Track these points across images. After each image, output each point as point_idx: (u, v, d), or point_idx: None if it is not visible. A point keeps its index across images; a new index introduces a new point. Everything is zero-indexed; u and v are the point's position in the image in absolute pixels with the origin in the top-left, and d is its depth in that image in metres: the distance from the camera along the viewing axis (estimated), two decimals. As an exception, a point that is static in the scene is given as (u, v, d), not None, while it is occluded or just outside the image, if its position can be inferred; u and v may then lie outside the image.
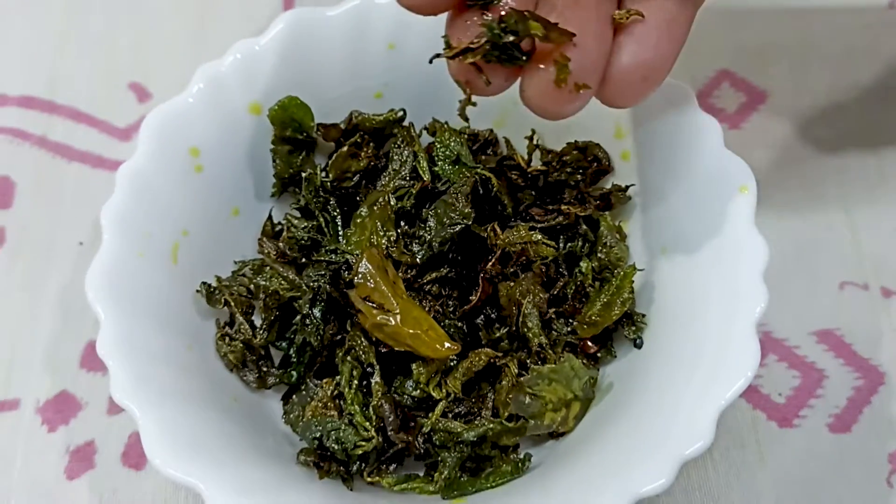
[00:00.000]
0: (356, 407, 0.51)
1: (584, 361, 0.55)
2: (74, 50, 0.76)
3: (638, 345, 0.52)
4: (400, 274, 0.54)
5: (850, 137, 0.70)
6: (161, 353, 0.50)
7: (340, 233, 0.57)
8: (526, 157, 0.61)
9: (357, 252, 0.53)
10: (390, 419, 0.49)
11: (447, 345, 0.49)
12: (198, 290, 0.55)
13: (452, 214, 0.53)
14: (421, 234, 0.54)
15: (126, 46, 0.76)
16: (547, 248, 0.54)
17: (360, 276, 0.49)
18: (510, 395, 0.49)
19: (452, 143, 0.58)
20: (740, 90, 0.72)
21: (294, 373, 0.55)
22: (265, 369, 0.55)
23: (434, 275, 0.54)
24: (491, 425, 0.49)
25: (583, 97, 0.38)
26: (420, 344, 0.49)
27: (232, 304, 0.54)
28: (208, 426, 0.49)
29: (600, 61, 0.38)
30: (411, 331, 0.49)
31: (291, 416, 0.55)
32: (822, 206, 0.67)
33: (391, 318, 0.49)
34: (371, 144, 0.60)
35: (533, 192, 0.61)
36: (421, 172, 0.58)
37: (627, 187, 0.55)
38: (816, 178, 0.68)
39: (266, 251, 0.57)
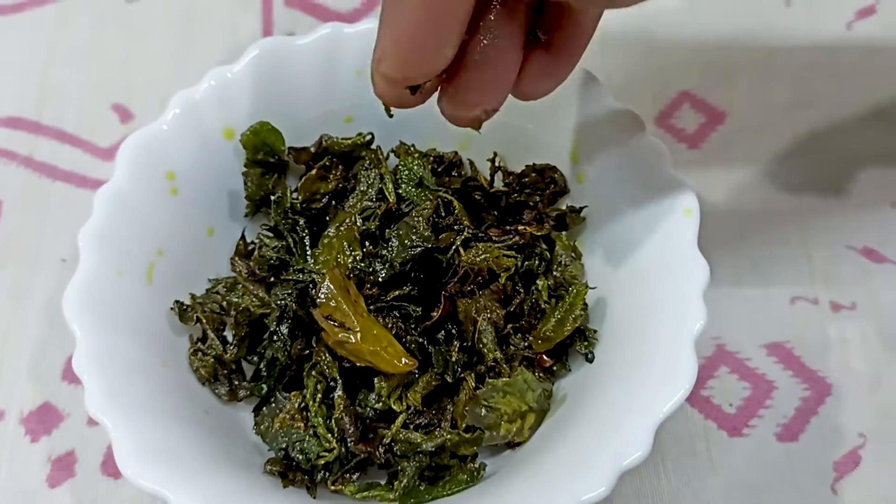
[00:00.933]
0: (319, 419, 0.53)
1: (540, 375, 0.57)
2: (61, 71, 0.78)
3: (589, 359, 0.53)
4: (365, 291, 0.57)
5: (807, 154, 0.72)
6: (136, 368, 0.52)
7: (308, 252, 0.59)
8: (488, 178, 0.64)
9: (324, 271, 0.55)
10: (350, 431, 0.52)
11: (405, 360, 0.52)
12: (172, 308, 0.58)
13: (413, 237, 0.56)
14: (384, 253, 0.56)
15: (111, 68, 0.78)
16: (508, 260, 0.56)
17: (322, 296, 0.52)
18: (467, 408, 0.50)
19: (415, 167, 0.61)
20: (700, 111, 0.74)
21: (264, 386, 0.57)
22: (236, 383, 0.58)
23: (397, 292, 0.56)
24: (449, 436, 0.50)
25: (490, 112, 0.43)
26: (379, 360, 0.52)
27: (203, 321, 0.57)
28: (180, 438, 0.51)
29: (506, 95, 0.42)
30: (371, 348, 0.51)
31: (262, 427, 0.57)
32: (779, 221, 0.69)
33: (352, 336, 0.51)
34: (340, 167, 0.63)
35: (495, 213, 0.64)
36: (387, 194, 0.61)
37: (582, 208, 0.57)
38: (773, 195, 0.70)
39: (238, 270, 0.60)
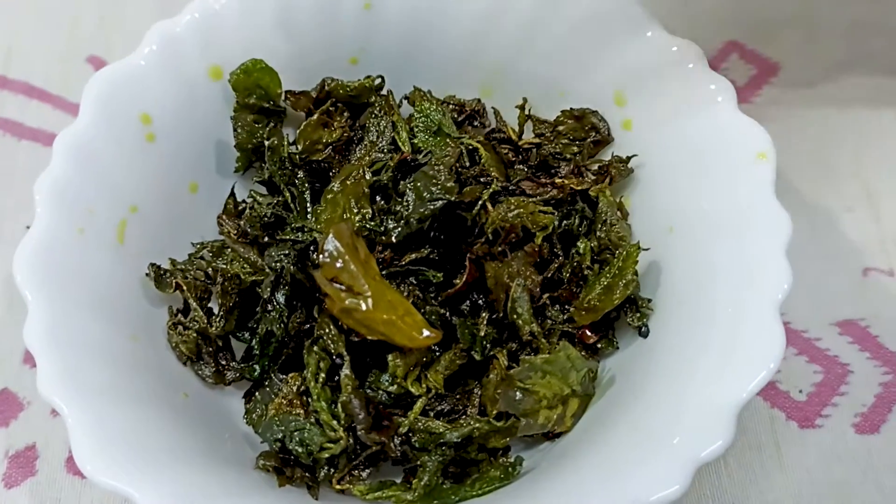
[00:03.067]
0: (322, 404, 0.45)
1: (583, 353, 0.49)
2: (31, 21, 0.70)
3: (643, 333, 0.48)
4: (377, 254, 0.48)
5: (867, 112, 0.64)
6: (99, 343, 0.44)
7: (309, 209, 0.51)
8: (517, 128, 0.56)
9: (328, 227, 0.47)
10: (361, 417, 0.43)
11: (426, 332, 0.43)
12: (147, 274, 0.49)
13: (433, 188, 0.48)
14: (398, 209, 0.48)
15: (88, 19, 0.70)
16: (545, 217, 0.48)
17: (326, 254, 0.43)
18: (499, 391, 0.45)
19: (433, 113, 0.53)
20: (750, 62, 0.67)
21: (257, 367, 0.49)
22: (223, 363, 0.50)
23: (414, 255, 0.48)
24: (477, 425, 0.45)
25: None
26: (395, 332, 0.43)
27: (185, 288, 0.48)
28: (152, 427, 0.43)
29: None
30: (385, 316, 0.43)
31: (254, 415, 0.49)
32: (841, 185, 0.62)
33: (362, 302, 0.43)
34: (345, 114, 0.55)
35: (525, 168, 0.55)
36: (400, 144, 0.53)
37: (629, 158, 0.51)
38: (834, 156, 0.63)
39: (226, 230, 0.51)
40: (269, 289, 0.47)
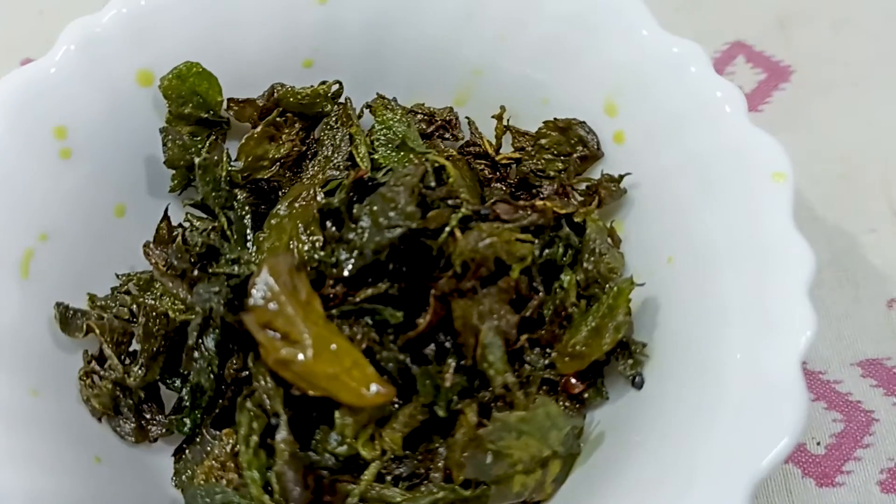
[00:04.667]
0: (254, 473, 0.38)
1: (567, 405, 0.44)
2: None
3: (637, 384, 0.43)
4: (327, 290, 0.41)
5: (894, 120, 0.59)
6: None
7: (250, 237, 0.44)
8: (494, 141, 0.51)
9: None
10: (296, 493, 0.36)
11: (376, 388, 0.37)
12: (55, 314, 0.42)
13: (392, 213, 0.41)
14: (351, 238, 0.41)
15: (24, 18, 0.65)
16: (523, 246, 0.42)
17: (258, 295, 0.36)
18: (466, 453, 0.40)
19: (396, 124, 0.46)
20: (758, 65, 0.62)
21: (187, 420, 0.43)
22: (148, 416, 0.43)
23: (369, 291, 0.42)
24: (441, 493, 0.40)
25: None
26: (340, 388, 0.37)
27: (97, 331, 0.41)
28: (52, 499, 0.36)
29: None
30: (329, 370, 0.37)
31: (183, 477, 0.43)
32: (864, 203, 0.57)
33: (300, 353, 0.36)
34: (296, 125, 0.49)
35: (503, 187, 0.49)
36: (358, 160, 0.46)
37: (621, 177, 0.47)
38: (855, 171, 0.58)
39: (154, 261, 0.44)
40: (195, 333, 0.40)
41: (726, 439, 0.36)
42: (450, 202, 0.43)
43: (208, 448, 0.42)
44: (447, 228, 0.42)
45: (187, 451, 0.43)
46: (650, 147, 0.45)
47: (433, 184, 0.44)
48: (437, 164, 0.44)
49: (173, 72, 0.46)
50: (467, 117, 0.51)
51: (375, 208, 0.42)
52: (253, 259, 0.42)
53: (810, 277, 0.37)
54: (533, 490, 0.41)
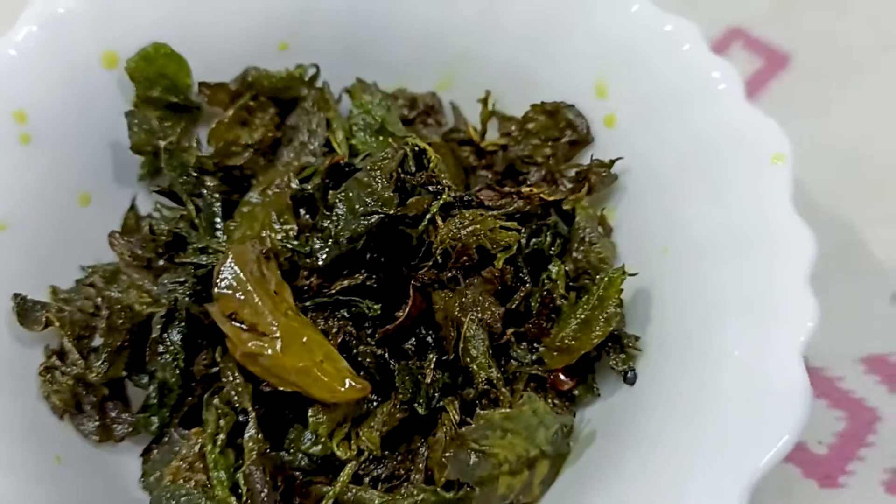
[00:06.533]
0: (221, 473, 0.37)
1: (556, 403, 0.42)
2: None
3: (629, 380, 0.41)
4: (301, 281, 0.40)
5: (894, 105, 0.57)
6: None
7: (219, 224, 0.42)
8: (479, 127, 0.49)
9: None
10: (263, 495, 0.34)
11: (350, 383, 0.35)
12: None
13: (368, 199, 0.39)
14: (326, 226, 0.39)
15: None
16: (508, 234, 0.40)
17: (223, 283, 0.34)
18: (448, 453, 0.38)
19: (375, 108, 0.45)
20: (756, 52, 0.61)
21: (155, 419, 0.41)
22: (113, 414, 0.41)
23: (346, 282, 0.40)
24: (422, 496, 0.38)
25: None
26: (311, 383, 0.35)
27: (57, 324, 0.39)
28: (9, 502, 0.34)
29: None
30: (299, 364, 0.35)
31: (151, 478, 0.41)
32: (866, 194, 0.55)
33: (268, 346, 0.34)
34: (270, 110, 0.47)
35: (489, 175, 0.47)
36: (335, 145, 0.44)
37: (612, 162, 0.45)
38: (858, 161, 0.56)
39: (119, 251, 0.42)
40: (159, 326, 0.38)
41: (723, 437, 0.34)
42: (430, 188, 0.41)
43: (176, 448, 0.40)
44: (427, 216, 0.40)
45: (155, 451, 0.41)
46: (642, 130, 0.43)
47: (413, 169, 0.42)
48: (417, 148, 0.42)
49: (140, 53, 0.44)
50: (451, 102, 0.50)
51: (351, 194, 0.40)
52: (222, 248, 0.40)
53: (812, 263, 0.35)
54: (519, 492, 0.38)
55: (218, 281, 0.35)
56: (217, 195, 0.43)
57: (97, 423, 0.41)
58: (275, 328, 0.34)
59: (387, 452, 0.40)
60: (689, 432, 0.35)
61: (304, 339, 0.35)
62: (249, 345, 0.34)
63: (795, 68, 0.59)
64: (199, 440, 0.39)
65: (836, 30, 0.60)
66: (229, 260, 0.35)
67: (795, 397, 0.33)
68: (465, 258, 0.39)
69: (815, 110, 0.58)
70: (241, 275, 0.35)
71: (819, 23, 0.60)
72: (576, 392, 0.42)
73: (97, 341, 0.42)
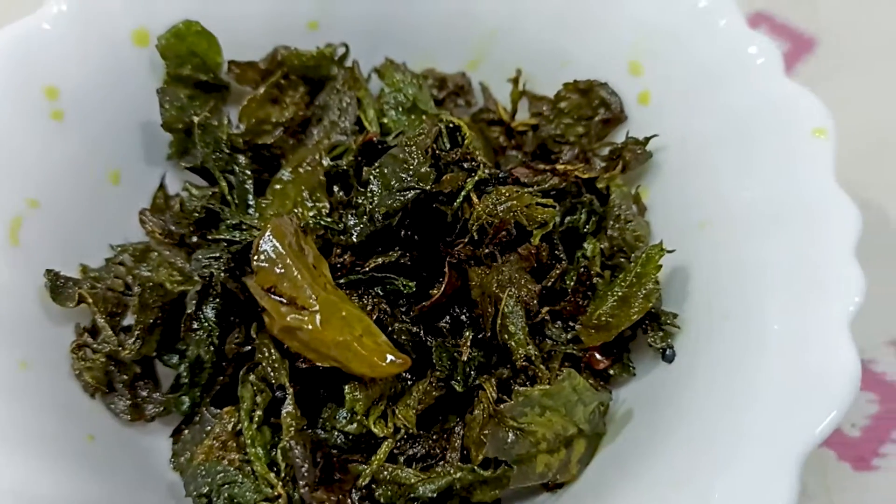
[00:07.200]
0: (258, 450, 0.36)
1: (590, 383, 0.40)
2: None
3: (668, 357, 0.40)
4: (334, 259, 0.39)
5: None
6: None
7: (251, 202, 0.41)
8: (509, 107, 0.48)
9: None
10: (304, 470, 0.34)
11: (391, 358, 0.34)
12: (45, 282, 0.39)
13: (404, 175, 0.38)
14: (360, 202, 0.38)
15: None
16: (545, 211, 0.39)
17: (262, 256, 0.34)
18: (486, 431, 0.37)
19: (407, 87, 0.44)
20: (781, 36, 0.60)
21: (186, 399, 0.40)
22: (144, 394, 0.40)
23: (380, 260, 0.39)
24: (459, 474, 0.37)
25: None
26: (351, 357, 0.34)
27: (90, 301, 0.38)
28: (41, 481, 0.33)
29: None
30: (338, 338, 0.34)
31: (181, 458, 0.40)
32: (893, 177, 0.54)
33: (307, 320, 0.33)
34: (300, 89, 0.46)
35: (519, 155, 0.46)
36: (366, 123, 0.44)
37: (647, 140, 0.44)
38: (885, 146, 0.55)
39: (150, 229, 0.42)
40: (194, 301, 0.37)
41: (766, 416, 0.33)
42: (465, 165, 0.41)
43: (208, 428, 0.39)
44: (463, 192, 0.40)
45: (186, 431, 0.41)
46: (678, 107, 0.42)
47: (448, 145, 0.41)
48: (451, 125, 0.41)
49: (171, 30, 0.44)
50: (480, 82, 0.49)
51: (386, 170, 0.39)
52: (256, 225, 0.40)
53: (857, 237, 0.34)
54: (557, 471, 0.38)
55: (257, 254, 0.34)
56: (248, 173, 0.42)
57: (128, 402, 0.40)
58: (314, 302, 0.34)
59: (422, 432, 0.39)
60: (730, 410, 0.34)
61: (344, 314, 0.34)
62: (288, 318, 0.34)
63: (821, 52, 0.59)
64: (232, 419, 0.39)
65: (861, 14, 0.60)
66: (268, 233, 0.34)
67: (845, 370, 0.32)
68: (503, 234, 0.39)
69: (841, 94, 0.57)
70: (281, 248, 0.34)
71: (844, 7, 0.60)
72: (611, 371, 0.41)
73: (127, 320, 0.42)
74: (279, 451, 0.35)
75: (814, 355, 0.33)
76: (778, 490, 0.30)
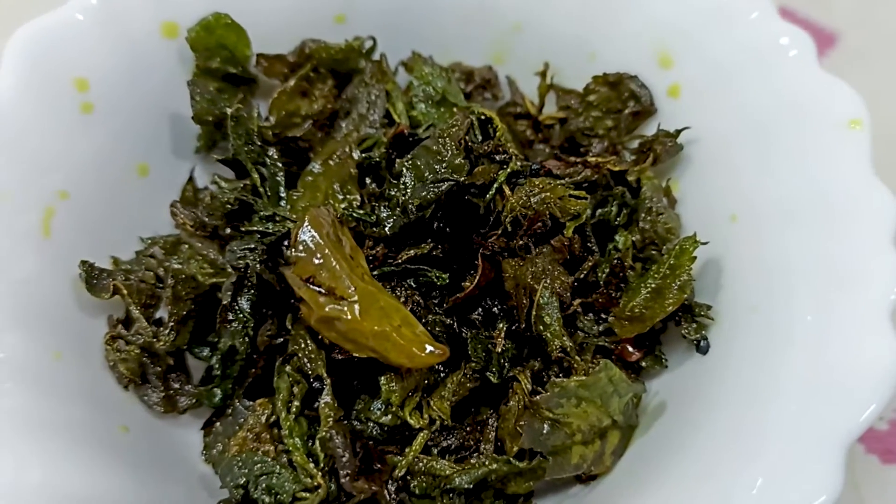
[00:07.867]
0: (296, 440, 0.35)
1: (624, 373, 0.40)
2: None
3: (702, 348, 0.39)
4: (366, 251, 0.39)
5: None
6: (8, 360, 0.34)
7: (283, 195, 0.41)
8: (536, 101, 0.48)
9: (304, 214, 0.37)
10: (345, 459, 0.34)
11: (430, 348, 0.34)
12: (80, 274, 0.39)
13: (437, 167, 0.38)
14: (393, 194, 0.38)
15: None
16: (578, 203, 0.39)
17: (300, 246, 0.33)
18: (521, 422, 0.37)
19: (435, 79, 0.44)
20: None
21: (218, 391, 0.40)
22: (176, 386, 0.40)
23: (413, 252, 0.39)
24: (494, 466, 0.37)
25: None
26: (390, 348, 0.34)
27: (125, 292, 0.38)
28: (75, 471, 0.33)
29: None
30: (376, 328, 0.34)
31: (213, 451, 0.40)
32: None
33: (346, 310, 0.33)
34: (329, 82, 0.46)
35: (547, 149, 0.46)
36: (395, 116, 0.44)
37: (678, 132, 0.43)
38: None
39: (181, 221, 0.42)
40: (229, 293, 0.37)
41: (804, 403, 0.33)
42: (497, 157, 0.40)
43: (241, 420, 0.39)
44: (495, 184, 0.39)
45: (217, 423, 0.40)
46: (709, 99, 0.42)
47: (479, 137, 0.41)
48: (483, 117, 0.41)
49: (201, 23, 0.43)
50: (507, 76, 0.48)
51: (419, 163, 0.39)
52: (289, 216, 0.40)
53: (894, 226, 0.34)
54: (591, 462, 0.38)
55: (295, 244, 0.34)
56: (279, 165, 0.42)
57: (162, 393, 0.40)
58: (352, 292, 0.34)
59: (456, 424, 0.39)
60: (767, 398, 0.34)
61: (382, 304, 0.34)
62: (327, 309, 0.34)
63: (842, 48, 0.59)
64: (266, 411, 0.39)
65: (882, 11, 0.59)
66: (306, 223, 0.34)
67: (886, 361, 0.31)
68: (538, 225, 0.39)
69: (862, 90, 0.57)
70: (319, 238, 0.34)
71: (865, 4, 0.60)
72: (643, 364, 0.41)
73: (160, 312, 0.42)
74: (318, 442, 0.35)
75: (854, 346, 0.32)
76: (823, 481, 0.30)
